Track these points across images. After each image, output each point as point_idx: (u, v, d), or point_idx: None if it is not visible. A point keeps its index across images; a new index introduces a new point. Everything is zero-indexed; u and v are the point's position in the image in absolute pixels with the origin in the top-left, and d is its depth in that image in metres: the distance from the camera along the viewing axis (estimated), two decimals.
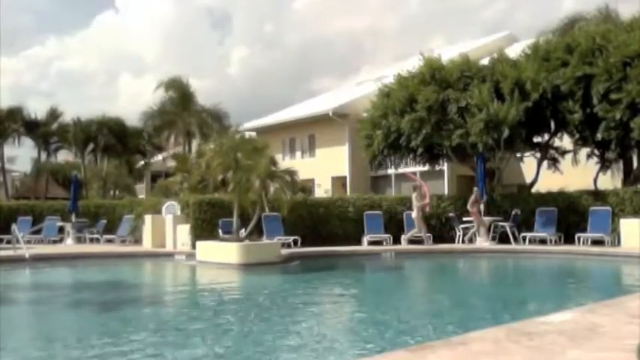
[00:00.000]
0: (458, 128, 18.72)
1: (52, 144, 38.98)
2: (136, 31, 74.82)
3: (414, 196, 18.62)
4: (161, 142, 38.42)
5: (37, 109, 50.13)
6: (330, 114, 28.08)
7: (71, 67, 77.45)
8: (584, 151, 20.23)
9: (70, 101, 79.36)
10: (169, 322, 8.15)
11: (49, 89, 76.45)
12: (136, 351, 6.27)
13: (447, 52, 23.30)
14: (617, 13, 23.64)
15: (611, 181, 20.97)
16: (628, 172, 19.84)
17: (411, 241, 18.45)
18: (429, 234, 18.55)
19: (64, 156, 44.75)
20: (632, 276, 12.68)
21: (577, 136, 19.27)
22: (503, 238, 18.08)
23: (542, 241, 17.41)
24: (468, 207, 18.14)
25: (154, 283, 14.26)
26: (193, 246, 16.54)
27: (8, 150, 38.94)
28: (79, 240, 21.73)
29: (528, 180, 21.68)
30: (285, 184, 15.27)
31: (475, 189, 18.53)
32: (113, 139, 36.62)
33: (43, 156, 39.75)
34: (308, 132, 30.80)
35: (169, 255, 17.20)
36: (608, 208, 16.89)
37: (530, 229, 17.85)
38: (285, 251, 15.95)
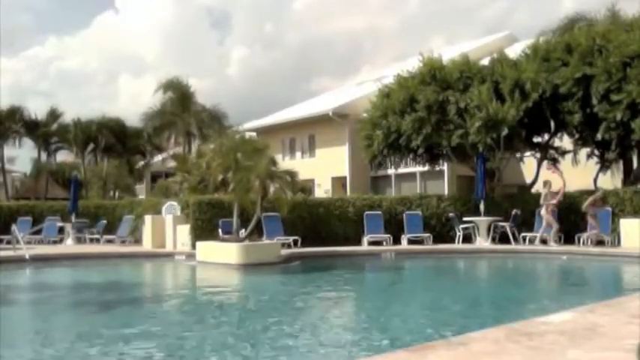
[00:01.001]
0: (458, 128, 18.74)
1: (52, 144, 39.01)
2: (136, 31, 74.88)
3: (543, 193, 17.52)
4: (161, 143, 38.43)
5: (36, 110, 50.22)
6: (330, 114, 28.09)
7: (71, 67, 77.50)
8: (584, 151, 20.24)
9: (69, 101, 79.42)
10: (169, 323, 8.15)
11: (48, 89, 76.49)
12: (136, 351, 6.27)
13: (447, 53, 23.30)
14: (616, 13, 23.61)
15: (611, 181, 20.98)
16: (628, 172, 19.85)
17: (410, 241, 18.44)
18: (429, 234, 18.57)
19: (64, 156, 44.83)
20: (632, 276, 12.68)
21: (577, 136, 19.28)
22: (503, 238, 18.08)
23: (543, 241, 17.41)
24: (585, 208, 16.82)
25: (154, 283, 14.26)
26: (193, 246, 16.54)
27: (8, 150, 39.00)
28: (79, 240, 21.73)
29: (528, 180, 21.68)
30: (285, 184, 15.28)
31: (601, 188, 17.81)
32: (113, 139, 36.67)
33: (43, 156, 39.81)
34: (308, 132, 30.81)
35: (169, 255, 17.20)
36: (608, 208, 16.89)
37: (530, 229, 17.85)
38: (285, 251, 15.95)
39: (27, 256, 15.62)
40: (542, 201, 17.36)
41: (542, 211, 17.30)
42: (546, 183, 17.80)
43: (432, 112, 19.03)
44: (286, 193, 15.41)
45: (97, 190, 41.50)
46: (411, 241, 18.46)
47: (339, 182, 29.10)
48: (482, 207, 18.43)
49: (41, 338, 7.19)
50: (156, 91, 34.75)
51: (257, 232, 16.20)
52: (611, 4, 23.09)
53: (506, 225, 17.93)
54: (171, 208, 19.45)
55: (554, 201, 17.27)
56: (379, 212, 19.15)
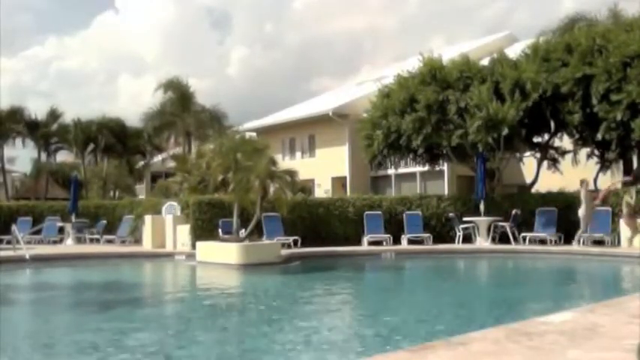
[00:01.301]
0: (458, 128, 18.73)
1: (52, 144, 39.03)
2: (135, 31, 74.86)
3: (582, 192, 16.78)
4: (161, 143, 38.45)
5: (36, 110, 50.17)
6: (330, 114, 28.08)
7: (71, 67, 77.48)
8: (584, 151, 20.24)
9: (69, 101, 79.42)
10: (169, 323, 8.15)
11: (48, 89, 76.47)
12: (135, 352, 6.27)
13: (447, 53, 23.31)
14: (618, 13, 23.59)
15: (611, 181, 20.97)
16: (628, 172, 19.84)
17: (411, 241, 18.45)
18: (429, 234, 18.58)
19: (64, 156, 44.84)
20: (632, 276, 12.69)
21: (577, 136, 19.28)
22: (503, 238, 18.08)
23: (542, 241, 17.41)
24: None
25: (154, 283, 14.27)
26: (193, 246, 16.55)
27: (8, 151, 39.01)
28: (79, 240, 21.73)
29: (528, 180, 21.68)
30: (285, 184, 15.29)
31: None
32: (113, 139, 36.67)
33: (43, 156, 39.81)
34: (308, 132, 30.80)
35: (169, 255, 17.20)
36: (608, 208, 16.88)
37: (530, 229, 17.84)
38: (285, 251, 15.95)
39: (27, 256, 15.62)
40: (582, 200, 16.68)
41: (581, 212, 16.65)
42: (583, 182, 17.07)
43: (432, 112, 19.02)
44: (286, 193, 15.42)
45: (97, 190, 41.51)
46: (411, 241, 18.46)
47: (339, 182, 29.10)
48: (482, 207, 18.42)
49: (41, 338, 7.19)
50: (156, 90, 34.77)
51: (257, 232, 16.20)
52: (613, 4, 23.08)
53: (506, 225, 17.92)
54: (171, 208, 19.45)
55: (597, 201, 16.66)
56: (379, 212, 19.15)
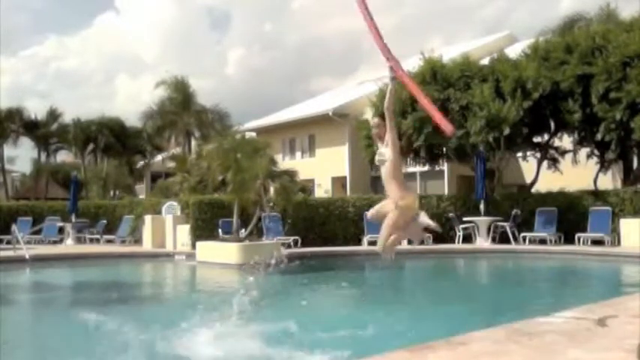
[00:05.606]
0: (459, 128, 18.70)
1: (52, 144, 39.04)
2: (135, 31, 74.88)
3: None
4: (161, 143, 38.45)
5: (35, 110, 50.19)
6: (330, 114, 28.08)
7: (69, 67, 77.46)
8: (584, 151, 20.23)
9: (68, 101, 79.43)
10: (168, 323, 8.13)
11: (47, 89, 76.46)
12: (135, 352, 6.26)
13: (447, 52, 23.30)
14: (612, 12, 23.58)
15: (611, 181, 20.97)
16: (628, 172, 19.84)
17: (410, 242, 18.39)
18: (429, 234, 18.53)
19: (64, 156, 44.86)
20: (632, 276, 12.68)
21: (577, 136, 19.28)
22: (503, 238, 18.08)
23: (542, 241, 17.41)
24: None
25: (154, 283, 14.26)
26: (193, 246, 16.54)
27: (8, 150, 39.03)
28: (79, 240, 21.72)
29: (528, 180, 21.68)
30: (285, 184, 15.30)
31: None
32: (113, 139, 36.69)
33: (43, 156, 39.84)
34: (308, 132, 30.80)
35: (169, 255, 17.19)
36: (608, 208, 16.88)
37: (530, 229, 17.84)
38: (285, 251, 15.94)
39: (27, 256, 15.61)
40: None
41: None
42: None
43: None
44: (287, 193, 15.42)
45: (97, 190, 41.51)
46: (410, 241, 18.40)
47: (339, 182, 29.10)
48: (482, 207, 18.41)
49: (40, 338, 7.19)
50: (156, 87, 34.68)
51: (257, 232, 16.20)
52: (605, 4, 23.10)
53: (506, 225, 17.91)
54: (171, 208, 19.45)
55: None
56: None
